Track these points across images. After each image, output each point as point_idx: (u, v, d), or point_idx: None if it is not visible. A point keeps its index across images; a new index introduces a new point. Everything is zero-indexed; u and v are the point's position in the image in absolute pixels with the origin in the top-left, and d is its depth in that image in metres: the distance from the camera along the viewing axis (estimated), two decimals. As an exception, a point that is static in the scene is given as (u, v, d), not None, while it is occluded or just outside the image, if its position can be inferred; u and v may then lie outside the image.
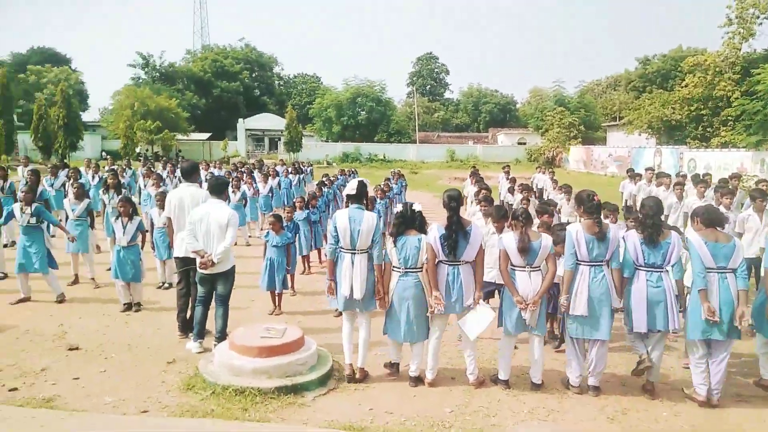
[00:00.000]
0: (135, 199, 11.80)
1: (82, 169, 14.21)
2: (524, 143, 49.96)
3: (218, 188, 5.78)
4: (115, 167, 16.12)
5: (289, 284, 7.78)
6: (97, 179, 13.60)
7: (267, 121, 51.04)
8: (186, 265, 6.07)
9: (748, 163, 23.16)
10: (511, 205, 11.43)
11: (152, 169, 15.74)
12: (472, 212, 8.28)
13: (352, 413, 4.48)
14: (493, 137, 56.01)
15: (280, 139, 47.03)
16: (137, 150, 37.83)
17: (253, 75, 62.32)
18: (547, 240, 4.90)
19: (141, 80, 55.67)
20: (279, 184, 14.99)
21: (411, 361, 5.04)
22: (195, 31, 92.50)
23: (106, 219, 9.18)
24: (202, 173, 13.33)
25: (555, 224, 6.31)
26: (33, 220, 7.39)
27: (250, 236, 12.28)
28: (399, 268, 4.91)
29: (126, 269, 7.00)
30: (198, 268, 5.64)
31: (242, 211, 11.74)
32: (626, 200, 12.57)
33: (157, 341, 6.04)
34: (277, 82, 70.37)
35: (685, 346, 5.17)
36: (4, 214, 7.92)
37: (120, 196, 8.27)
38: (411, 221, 4.93)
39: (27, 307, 7.15)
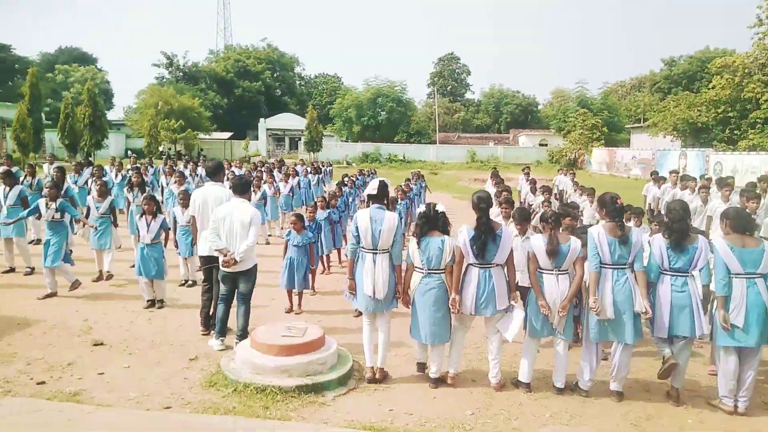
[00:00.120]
0: (158, 196, 11.97)
1: (106, 167, 14.45)
2: (545, 145, 49.48)
3: (241, 188, 5.84)
4: (138, 165, 16.37)
5: (310, 284, 7.82)
6: (120, 177, 13.83)
7: (288, 121, 51.34)
8: (209, 263, 6.14)
9: (776, 167, 22.63)
10: (532, 206, 11.34)
11: (174, 167, 15.95)
12: (494, 214, 8.21)
13: (372, 413, 4.48)
14: (514, 138, 55.59)
15: (300, 139, 47.28)
16: (160, 149, 38.37)
17: (275, 75, 62.74)
18: (576, 243, 4.85)
19: (165, 80, 56.46)
20: (299, 183, 15.09)
21: (431, 362, 5.02)
22: (218, 32, 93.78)
23: (131, 217, 9.33)
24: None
25: (578, 227, 6.24)
26: (57, 215, 7.56)
27: (270, 235, 12.37)
28: (422, 268, 4.89)
29: (149, 266, 7.10)
30: (221, 267, 5.70)
31: (262, 210, 11.83)
32: (650, 203, 12.38)
33: (179, 338, 6.12)
34: (298, 82, 70.77)
35: (712, 353, 5.07)
36: (30, 208, 8.09)
37: (144, 194, 8.40)
38: (434, 222, 4.92)
39: (54, 303, 7.30)
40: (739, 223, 4.72)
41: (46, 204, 7.59)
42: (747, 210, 7.08)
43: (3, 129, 32.67)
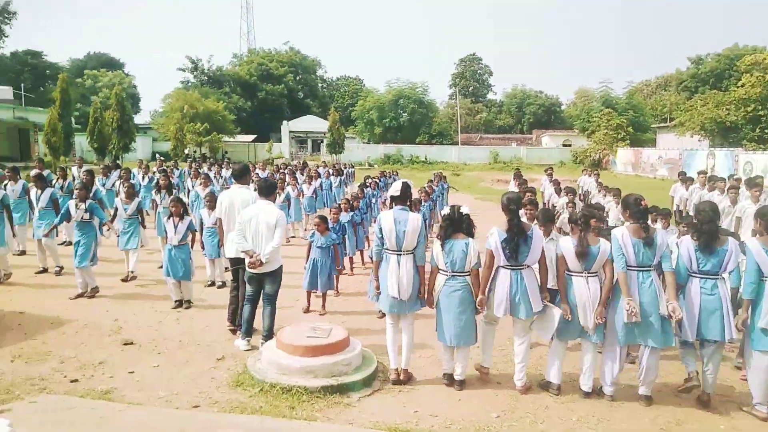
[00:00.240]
0: (184, 199, 12.17)
1: (133, 170, 14.74)
2: (569, 145, 48.89)
3: (267, 190, 5.91)
4: (165, 168, 16.65)
5: (334, 285, 7.86)
6: (147, 180, 14.09)
7: (310, 123, 51.70)
8: (236, 264, 6.24)
9: (810, 166, 22.02)
10: (556, 207, 11.23)
11: (199, 170, 16.19)
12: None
13: (396, 415, 4.49)
14: (537, 139, 55.06)
15: (322, 141, 47.57)
16: (186, 151, 38.97)
17: (297, 78, 63.27)
18: (605, 245, 4.80)
19: (190, 84, 57.37)
20: (321, 185, 15.20)
21: (456, 364, 5.01)
22: (242, 36, 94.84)
23: (158, 218, 9.51)
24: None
25: (604, 228, 6.17)
26: (86, 216, 7.75)
27: (293, 236, 12.47)
28: (446, 271, 4.89)
29: (177, 267, 7.22)
30: (247, 268, 5.78)
31: (286, 212, 11.93)
32: (677, 204, 12.15)
33: (206, 338, 6.21)
34: (320, 84, 71.22)
35: (745, 358, 4.95)
36: (62, 212, 8.30)
37: (172, 197, 8.55)
38: (458, 224, 4.91)
39: (85, 302, 7.48)
40: None
41: (76, 205, 7.79)
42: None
43: (35, 133, 33.57)
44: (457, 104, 57.02)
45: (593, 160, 40.83)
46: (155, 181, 11.39)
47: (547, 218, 5.75)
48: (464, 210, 4.98)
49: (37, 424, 3.95)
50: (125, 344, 5.94)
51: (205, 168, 18.36)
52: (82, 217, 7.76)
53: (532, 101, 60.79)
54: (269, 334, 5.74)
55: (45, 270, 9.01)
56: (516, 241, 4.74)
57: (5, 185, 9.86)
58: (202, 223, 8.36)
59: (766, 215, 4.64)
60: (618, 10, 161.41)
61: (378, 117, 50.93)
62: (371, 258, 5.32)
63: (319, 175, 16.07)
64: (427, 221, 10.60)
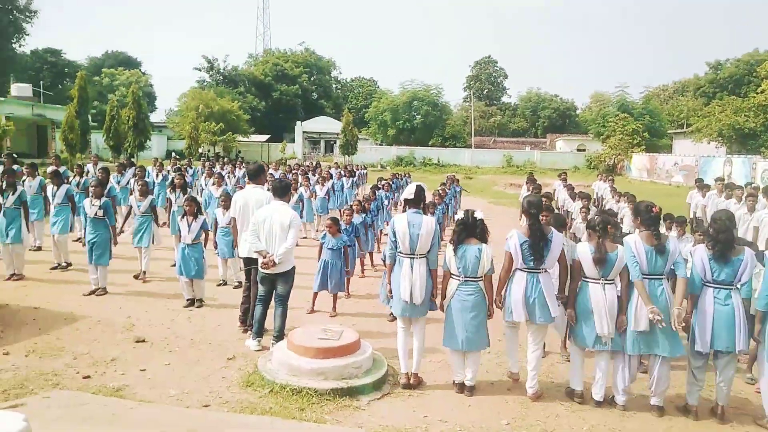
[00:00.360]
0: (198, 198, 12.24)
1: (148, 167, 14.84)
2: (584, 150, 48.56)
3: (282, 191, 5.93)
4: (179, 166, 16.75)
5: (345, 287, 7.86)
6: (161, 177, 14.19)
7: (323, 124, 51.88)
8: (249, 264, 6.26)
9: (830, 175, 21.66)
10: (570, 213, 11.15)
11: (213, 169, 16.28)
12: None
13: (406, 419, 4.48)
14: (551, 143, 54.74)
15: (335, 142, 47.69)
16: (200, 150, 39.26)
17: (312, 78, 63.47)
18: (623, 252, 4.75)
19: (205, 83, 57.77)
20: (333, 186, 15.21)
21: (467, 369, 4.98)
22: (257, 36, 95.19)
23: (173, 217, 9.58)
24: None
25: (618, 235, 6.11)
26: (100, 213, 7.82)
27: (305, 237, 12.49)
28: (458, 276, 4.87)
29: (190, 266, 7.26)
30: (260, 268, 5.79)
31: (299, 212, 11.96)
32: (694, 212, 12.01)
33: (218, 337, 6.24)
34: (334, 85, 71.39)
35: (761, 370, 4.87)
36: (78, 209, 8.39)
37: (186, 196, 8.61)
38: (472, 229, 4.89)
39: (98, 299, 7.55)
40: None
41: (91, 202, 7.86)
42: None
43: (52, 130, 34.01)
44: (471, 107, 56.91)
45: (608, 166, 40.50)
46: (170, 180, 11.46)
47: (559, 223, 5.71)
48: (479, 215, 4.96)
49: (51, 420, 3.98)
50: (137, 342, 5.99)
51: (218, 167, 18.46)
52: (95, 214, 7.84)
53: (546, 105, 60.44)
54: (280, 335, 5.75)
55: (59, 266, 9.10)
56: (537, 245, 4.72)
57: (23, 181, 9.98)
58: (216, 223, 8.40)
59: None
60: (635, 14, 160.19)
61: (391, 119, 50.95)
62: (383, 261, 5.32)
63: (331, 176, 16.09)
64: (440, 224, 10.58)
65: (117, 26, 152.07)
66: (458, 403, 4.83)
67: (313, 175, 16.78)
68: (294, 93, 59.18)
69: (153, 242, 8.72)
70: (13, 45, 49.88)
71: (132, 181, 12.72)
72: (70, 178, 11.51)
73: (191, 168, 18.46)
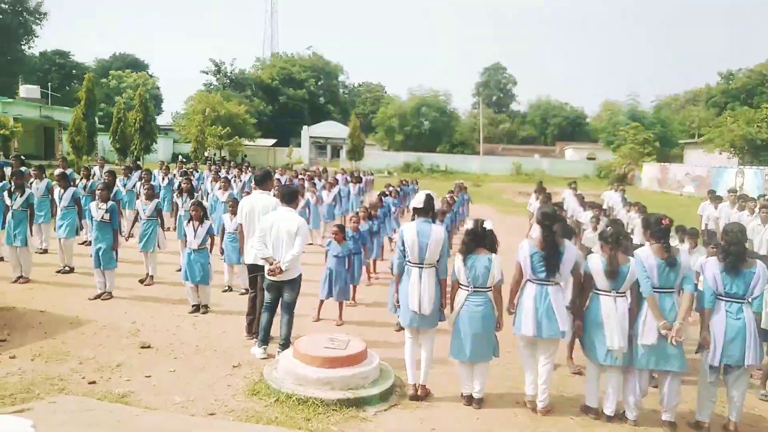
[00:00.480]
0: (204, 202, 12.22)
1: (154, 171, 14.85)
2: (593, 158, 48.40)
3: (289, 197, 5.89)
4: (186, 170, 16.77)
5: (351, 294, 7.81)
6: (167, 181, 14.20)
7: (330, 129, 51.91)
8: (255, 271, 6.21)
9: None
10: (581, 223, 11.05)
11: (219, 173, 16.28)
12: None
13: (413, 431, 4.41)
14: (560, 151, 54.61)
15: (342, 147, 47.73)
16: (206, 154, 39.39)
17: (319, 83, 63.66)
18: (634, 265, 4.68)
19: (212, 86, 58.03)
20: (339, 192, 15.15)
21: (475, 381, 4.91)
22: (265, 39, 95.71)
23: (179, 221, 9.56)
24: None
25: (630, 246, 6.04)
26: (107, 216, 7.80)
27: (311, 243, 12.44)
28: (467, 286, 4.81)
29: (195, 271, 7.22)
30: (266, 275, 5.75)
31: (304, 219, 11.89)
32: (705, 224, 11.89)
33: (223, 344, 6.20)
34: (341, 90, 71.55)
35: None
36: (84, 212, 8.37)
37: (192, 200, 8.58)
38: (481, 239, 4.83)
39: (103, 303, 7.52)
40: None
41: (97, 205, 7.85)
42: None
43: (59, 132, 34.19)
44: (480, 114, 56.89)
45: (618, 175, 40.33)
46: (177, 184, 11.45)
47: (566, 234, 5.63)
48: (488, 225, 4.90)
49: (57, 425, 3.94)
50: (143, 347, 5.95)
51: (223, 171, 18.47)
52: (102, 218, 7.82)
53: (556, 113, 60.32)
54: (286, 343, 5.70)
55: (65, 269, 9.09)
56: (549, 257, 4.66)
57: (31, 183, 9.99)
58: (223, 228, 8.37)
59: None
60: (647, 23, 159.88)
61: (399, 124, 50.99)
62: (390, 269, 5.26)
63: (337, 182, 16.04)
64: (449, 232, 10.51)
65: (125, 28, 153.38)
66: (466, 415, 4.76)
67: (320, 180, 16.74)
68: (301, 97, 59.33)
69: (159, 246, 8.68)
70: (23, 47, 50.33)
71: (138, 184, 12.74)
72: (77, 181, 11.53)
73: (197, 172, 18.47)
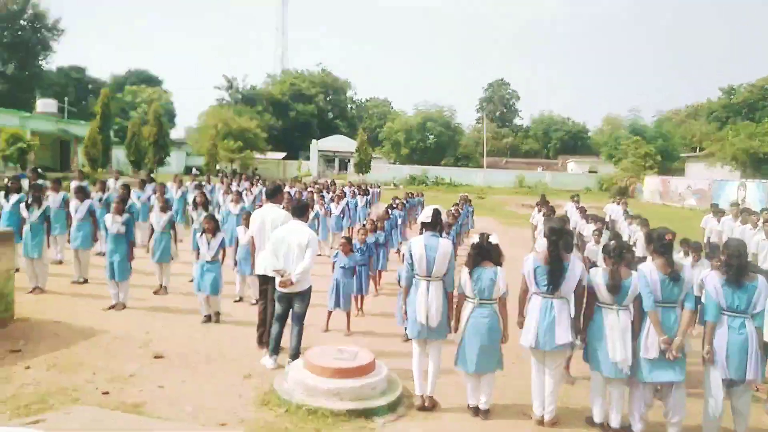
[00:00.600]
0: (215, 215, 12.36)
1: (168, 183, 15.03)
2: (595, 172, 48.38)
3: (300, 210, 6.03)
4: (200, 183, 16.96)
5: (357, 305, 7.90)
6: (180, 193, 14.38)
7: (338, 143, 52.36)
8: (265, 282, 6.34)
9: None
10: (583, 236, 11.08)
11: (231, 186, 16.46)
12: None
13: (421, 442, 4.48)
14: (562, 165, 54.66)
15: (350, 161, 48.04)
16: (218, 167, 39.80)
17: (328, 99, 64.34)
18: (637, 279, 4.74)
19: (225, 101, 58.73)
20: (347, 204, 15.31)
21: (481, 393, 4.97)
22: (276, 56, 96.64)
23: (194, 234, 9.71)
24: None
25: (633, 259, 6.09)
26: (122, 229, 7.96)
27: (319, 254, 12.53)
28: (473, 299, 4.90)
29: (207, 283, 7.36)
30: (277, 287, 5.86)
31: (314, 231, 12.02)
32: (708, 237, 11.89)
33: (234, 354, 6.30)
34: (349, 105, 72.18)
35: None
36: (99, 224, 8.53)
37: (206, 214, 8.74)
38: (487, 253, 4.93)
39: (117, 314, 7.66)
40: None
41: (113, 218, 8.02)
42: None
43: (75, 145, 34.71)
44: (483, 128, 57.12)
45: (620, 188, 40.28)
46: (193, 198, 11.61)
47: (567, 247, 5.69)
48: (494, 239, 5.00)
49: (72, 435, 4.04)
50: (155, 357, 6.05)
51: (234, 184, 18.67)
52: (117, 231, 7.98)
53: (558, 127, 60.66)
54: (296, 354, 5.80)
55: (79, 280, 9.25)
56: (554, 271, 4.72)
57: (47, 196, 10.19)
58: (237, 240, 8.49)
59: None
60: (648, 38, 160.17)
61: (405, 138, 51.36)
62: (398, 281, 5.36)
63: (345, 195, 16.19)
64: (455, 244, 10.59)
65: (141, 44, 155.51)
66: (473, 426, 4.82)
67: (329, 192, 16.89)
68: (310, 112, 59.92)
69: (173, 257, 8.84)
70: (40, 62, 51.23)
71: (153, 197, 12.93)
72: (92, 193, 11.72)
73: (209, 184, 18.68)
